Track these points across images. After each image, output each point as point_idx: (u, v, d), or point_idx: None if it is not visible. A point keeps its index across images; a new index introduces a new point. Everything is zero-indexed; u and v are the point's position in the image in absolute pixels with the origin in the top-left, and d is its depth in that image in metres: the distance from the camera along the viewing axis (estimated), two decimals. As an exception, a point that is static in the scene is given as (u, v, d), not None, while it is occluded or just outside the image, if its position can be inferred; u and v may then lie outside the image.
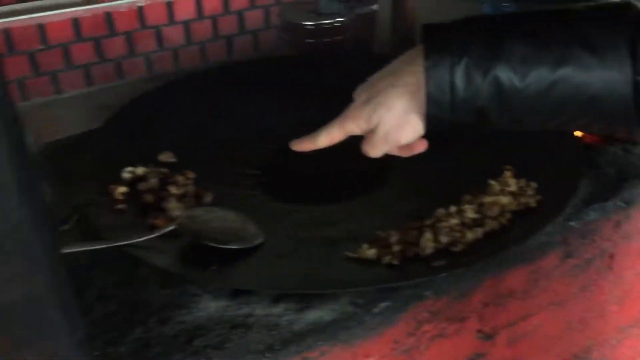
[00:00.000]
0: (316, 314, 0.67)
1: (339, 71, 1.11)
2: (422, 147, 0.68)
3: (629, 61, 0.55)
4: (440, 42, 0.59)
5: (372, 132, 0.65)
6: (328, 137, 0.69)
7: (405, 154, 0.69)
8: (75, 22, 3.13)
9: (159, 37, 3.45)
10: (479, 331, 0.78)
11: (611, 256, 0.87)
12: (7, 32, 2.91)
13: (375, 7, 2.86)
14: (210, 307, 0.68)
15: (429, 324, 0.72)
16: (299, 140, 0.72)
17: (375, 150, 0.66)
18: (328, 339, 0.65)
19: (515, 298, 0.79)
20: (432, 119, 0.61)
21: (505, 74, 0.57)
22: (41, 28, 3.01)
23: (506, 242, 0.73)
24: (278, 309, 0.67)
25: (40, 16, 2.95)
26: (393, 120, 0.63)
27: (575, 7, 0.60)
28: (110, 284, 0.71)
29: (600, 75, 0.56)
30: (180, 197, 0.83)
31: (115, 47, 3.29)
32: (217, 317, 0.67)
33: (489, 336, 0.79)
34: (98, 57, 3.24)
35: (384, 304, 0.68)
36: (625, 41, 0.55)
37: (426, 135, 0.79)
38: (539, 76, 0.56)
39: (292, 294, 0.68)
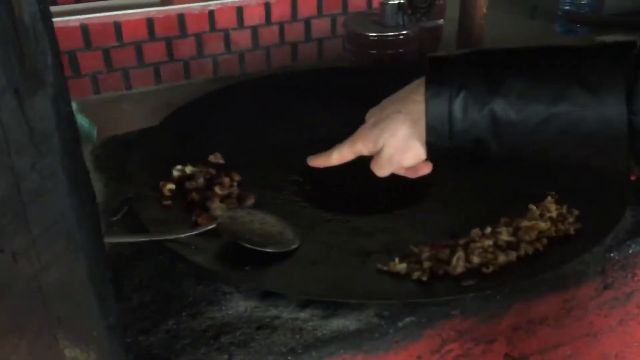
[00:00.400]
0: (341, 322, 0.68)
1: (397, 84, 1.13)
2: (426, 169, 0.72)
3: (624, 100, 0.55)
4: (442, 74, 0.62)
5: (378, 153, 0.70)
6: (339, 155, 0.74)
7: (411, 175, 0.73)
8: (149, 22, 3.25)
9: (227, 40, 3.55)
10: (507, 355, 0.78)
11: (653, 291, 0.84)
12: (85, 28, 3.05)
13: (440, 21, 2.86)
14: (240, 306, 0.70)
15: (454, 343, 0.72)
16: (314, 156, 0.77)
17: (381, 170, 0.71)
18: (350, 348, 0.66)
19: (547, 325, 0.78)
20: (432, 146, 0.64)
21: (501, 108, 0.59)
22: (117, 26, 3.15)
23: (539, 268, 0.72)
24: (304, 314, 0.69)
25: (117, 14, 3.09)
26: (397, 145, 0.67)
27: (579, 44, 0.61)
28: (149, 276, 0.75)
29: (596, 113, 0.56)
30: (224, 198, 0.86)
31: (185, 47, 3.41)
32: (245, 316, 0.69)
33: (517, 361, 0.79)
34: (168, 56, 3.36)
35: (409, 319, 0.69)
36: (622, 80, 0.55)
37: (472, 158, 0.80)
38: (535, 111, 0.58)
39: (319, 301, 0.70)
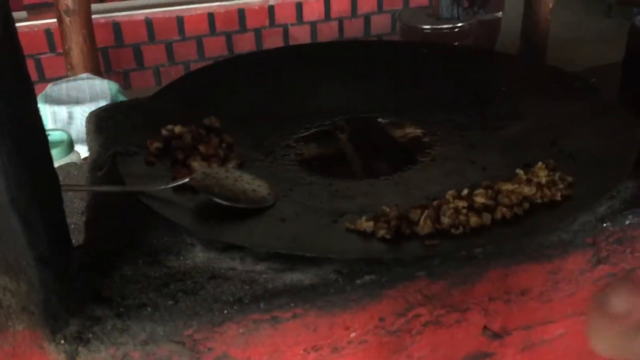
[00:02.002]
0: (296, 277, 0.66)
1: (409, 62, 1.10)
2: None
3: None
4: None
5: None
6: None
7: None
8: (210, 16, 3.34)
9: (286, 36, 3.59)
10: (486, 328, 0.73)
11: (661, 271, 0.77)
12: (150, 22, 3.16)
13: (499, 14, 2.77)
14: (198, 257, 0.69)
15: (422, 308, 0.68)
16: None
17: None
18: (302, 302, 0.64)
19: (531, 299, 0.72)
20: None
21: None
22: (179, 20, 3.25)
23: (512, 232, 0.67)
24: (260, 267, 0.67)
25: (180, 9, 3.18)
26: None
27: None
28: (118, 225, 0.75)
29: None
30: (208, 157, 0.86)
31: (244, 42, 3.47)
32: (201, 266, 0.68)
33: (497, 335, 0.73)
34: (228, 50, 3.43)
35: (368, 277, 0.65)
36: None
37: (478, 125, 0.73)
38: None
39: (278, 255, 0.68)
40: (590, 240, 0.72)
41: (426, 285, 0.67)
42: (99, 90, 1.88)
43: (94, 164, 0.89)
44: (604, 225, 0.72)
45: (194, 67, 3.34)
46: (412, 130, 0.95)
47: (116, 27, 3.14)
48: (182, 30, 3.24)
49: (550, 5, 2.80)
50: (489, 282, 0.69)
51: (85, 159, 1.43)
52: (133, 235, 0.73)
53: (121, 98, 1.86)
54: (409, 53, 1.15)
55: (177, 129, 0.90)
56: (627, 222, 0.72)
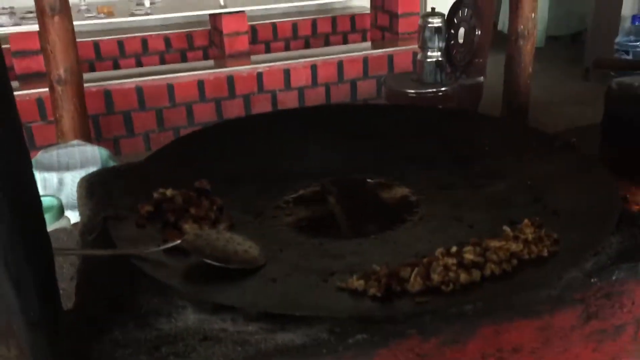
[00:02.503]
0: (288, 337, 0.65)
1: (393, 123, 1.13)
2: None
3: None
4: None
5: None
6: None
7: None
8: (200, 83, 3.40)
9: (274, 101, 3.65)
10: (479, 387, 0.72)
11: (649, 326, 0.77)
12: (140, 90, 3.21)
13: (481, 79, 2.84)
14: (189, 319, 0.69)
15: (415, 367, 0.68)
16: None
17: None
18: (294, 363, 0.63)
19: (523, 356, 0.72)
20: None
21: None
22: (170, 87, 3.30)
23: (503, 289, 0.68)
24: (252, 327, 0.67)
25: (170, 77, 3.24)
26: None
27: None
28: (108, 287, 0.75)
29: None
30: (198, 220, 0.86)
31: (234, 108, 3.52)
32: (192, 328, 0.68)
33: (491, 394, 0.73)
34: (217, 116, 3.48)
35: (360, 336, 0.65)
36: None
37: (462, 183, 0.74)
38: None
39: (269, 315, 0.68)
40: (579, 296, 0.72)
41: (418, 343, 0.67)
42: (90, 157, 1.89)
43: (85, 228, 0.90)
44: (592, 280, 0.73)
45: (183, 132, 3.38)
46: (399, 190, 0.97)
47: (107, 94, 3.19)
48: (172, 97, 3.30)
49: (530, 70, 2.90)
50: (481, 340, 0.69)
51: (75, 224, 1.42)
52: (123, 298, 0.73)
53: (112, 164, 1.87)
54: (394, 115, 1.18)
55: (169, 192, 0.91)
56: (614, 277, 0.73)
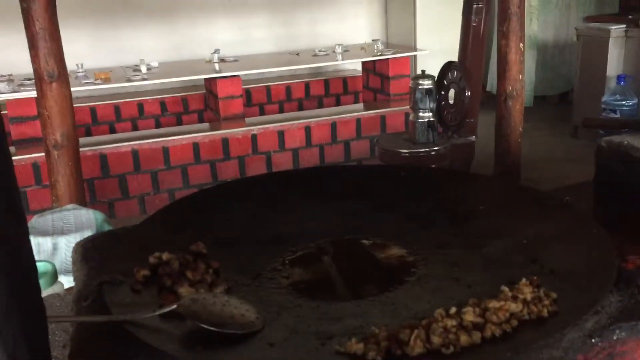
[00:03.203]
0: (286, 404, 0.64)
1: (387, 183, 1.14)
2: None
3: None
4: None
5: None
6: None
7: None
8: (195, 146, 3.44)
9: (269, 162, 3.68)
10: None
11: (652, 387, 0.76)
12: (136, 153, 3.24)
13: (472, 138, 2.89)
14: (186, 385, 0.68)
15: None
16: None
17: None
18: None
19: (527, 420, 0.71)
20: None
21: None
22: (165, 150, 3.33)
23: (504, 350, 0.67)
24: (250, 395, 0.66)
25: (166, 140, 3.27)
26: None
27: None
28: (102, 355, 0.74)
29: None
30: (196, 283, 0.86)
31: (229, 169, 3.55)
32: (189, 396, 0.66)
33: None
34: (212, 177, 3.50)
35: (360, 402, 0.64)
36: None
37: (459, 243, 0.75)
38: None
39: (268, 382, 0.66)
40: (582, 357, 0.71)
41: (420, 408, 0.66)
42: (85, 220, 1.89)
43: (80, 294, 0.89)
44: (593, 340, 0.72)
45: (178, 194, 3.39)
46: (396, 251, 0.97)
47: (103, 158, 3.21)
48: (168, 160, 3.32)
49: (520, 129, 2.95)
50: (483, 404, 0.68)
51: (68, 289, 1.41)
52: (118, 365, 0.72)
53: (107, 227, 1.87)
54: (388, 176, 1.19)
55: (165, 255, 0.91)
56: (615, 337, 0.73)
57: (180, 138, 3.33)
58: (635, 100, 3.57)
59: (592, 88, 3.81)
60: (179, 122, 4.07)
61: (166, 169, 3.33)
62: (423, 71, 2.64)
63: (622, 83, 3.60)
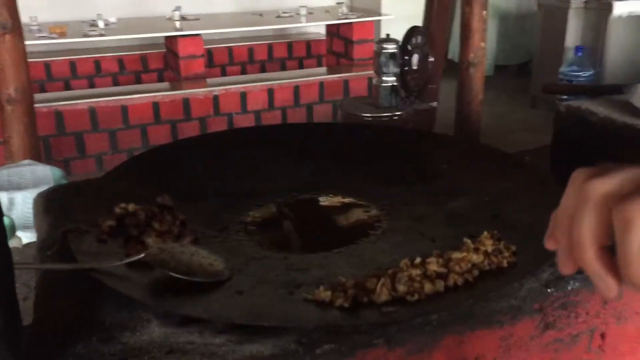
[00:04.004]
0: (255, 348, 0.65)
1: (354, 142, 1.15)
2: None
3: None
4: None
5: None
6: None
7: None
8: (155, 105, 3.38)
9: (231, 124, 3.65)
10: (443, 396, 0.73)
11: (602, 336, 0.80)
12: (93, 111, 3.17)
13: (434, 104, 2.92)
14: (155, 331, 0.68)
15: (381, 377, 0.69)
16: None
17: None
18: (262, 374, 0.63)
19: (485, 365, 0.74)
20: None
21: None
22: (124, 109, 3.27)
23: (466, 298, 0.70)
24: (219, 340, 0.67)
25: (125, 98, 3.21)
26: None
27: None
28: (69, 303, 0.73)
29: None
30: (162, 234, 0.86)
31: (190, 130, 3.51)
32: (158, 341, 0.67)
33: (454, 404, 0.74)
34: (173, 138, 3.45)
35: (328, 346, 0.66)
36: None
37: (423, 200, 0.77)
38: None
39: (237, 327, 0.67)
40: (537, 306, 0.75)
41: (385, 353, 0.68)
42: (42, 176, 1.85)
43: (43, 243, 0.88)
44: (549, 290, 0.75)
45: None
46: (360, 208, 0.98)
47: (58, 115, 3.13)
48: (126, 119, 3.26)
49: (481, 97, 3.00)
50: (445, 349, 0.71)
51: (27, 244, 1.39)
52: (85, 312, 0.72)
53: (64, 183, 1.84)
54: (352, 135, 1.20)
55: (131, 206, 0.90)
56: (570, 287, 0.76)
57: (139, 97, 3.27)
58: (592, 72, 3.66)
59: (551, 59, 3.89)
60: (138, 81, 3.99)
61: (125, 128, 3.28)
62: (388, 35, 2.64)
63: (579, 54, 3.68)
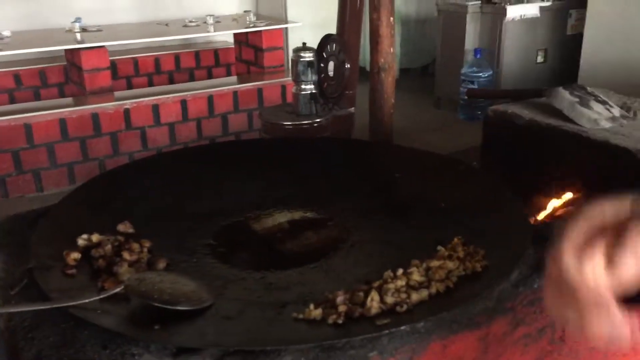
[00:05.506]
0: (257, 373, 0.66)
1: (297, 155, 1.16)
2: None
3: None
4: None
5: None
6: None
7: None
8: (62, 122, 3.22)
9: (144, 138, 3.54)
10: (429, 400, 0.76)
11: (563, 328, 0.87)
12: (-5, 131, 2.94)
13: (352, 109, 2.98)
14: (150, 365, 0.67)
15: (376, 388, 0.71)
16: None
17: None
18: (268, 398, 0.64)
19: (466, 365, 0.78)
20: None
21: None
22: (27, 127, 3.09)
23: (450, 303, 0.73)
24: (219, 368, 0.66)
25: (27, 116, 3.04)
26: None
27: None
28: (50, 344, 0.70)
29: None
30: (133, 264, 0.84)
31: (101, 146, 3.37)
32: (155, 375, 0.65)
33: (440, 405, 0.77)
34: (83, 155, 3.30)
35: (327, 364, 0.67)
36: None
37: (383, 210, 0.80)
38: None
39: (235, 353, 0.67)
40: (509, 305, 0.80)
41: (378, 364, 0.70)
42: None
43: (2, 282, 0.83)
44: (519, 290, 0.80)
45: (45, 174, 3.18)
46: (323, 221, 1.00)
47: (-47, 137, 2.92)
48: (31, 138, 3.09)
49: (392, 100, 3.10)
50: (431, 354, 0.74)
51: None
52: (70, 353, 0.69)
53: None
54: (304, 147, 1.22)
55: (95, 237, 0.88)
56: (536, 285, 0.82)
57: (44, 114, 3.11)
58: (491, 72, 3.87)
59: (452, 60, 4.07)
60: (37, 97, 3.78)
61: (29, 147, 3.10)
62: (304, 44, 2.67)
63: (478, 56, 3.88)
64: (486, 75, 3.86)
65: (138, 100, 3.30)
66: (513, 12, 3.87)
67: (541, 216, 1.07)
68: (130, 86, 4.00)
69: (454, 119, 4.14)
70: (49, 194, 3.28)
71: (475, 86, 3.85)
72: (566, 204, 1.16)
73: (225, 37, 4.20)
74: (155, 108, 3.34)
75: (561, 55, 4.08)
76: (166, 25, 3.88)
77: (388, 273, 0.77)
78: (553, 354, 0.88)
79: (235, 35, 3.99)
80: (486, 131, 1.40)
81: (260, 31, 3.73)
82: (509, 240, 0.86)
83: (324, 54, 2.77)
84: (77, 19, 3.63)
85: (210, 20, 3.77)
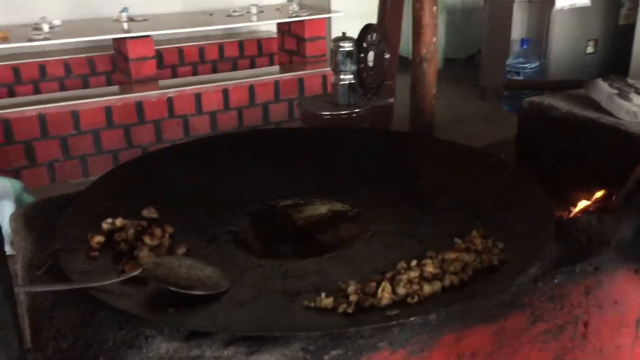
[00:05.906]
0: (265, 358, 0.66)
1: (331, 145, 1.16)
2: None
3: None
4: None
5: None
6: None
7: None
8: (108, 109, 3.30)
9: (186, 126, 3.59)
10: (442, 393, 0.76)
11: (585, 325, 0.85)
12: (43, 117, 3.07)
13: (391, 100, 2.95)
14: (162, 348, 0.68)
15: (385, 378, 0.71)
16: None
17: None
18: (274, 384, 0.64)
19: (480, 359, 0.77)
20: None
21: None
22: (75, 114, 3.18)
23: (463, 296, 0.72)
24: (228, 352, 0.67)
25: (75, 103, 3.12)
26: None
27: None
28: (69, 324, 0.73)
29: None
30: (154, 248, 0.85)
31: (144, 134, 3.43)
32: (166, 357, 0.67)
33: (453, 399, 0.77)
34: (127, 143, 3.38)
35: (335, 352, 0.67)
36: None
37: (407, 201, 0.79)
38: None
39: (244, 338, 0.68)
40: (527, 300, 0.78)
41: (388, 355, 0.70)
42: (0, 190, 1.79)
43: (30, 263, 0.86)
44: (537, 285, 0.79)
45: (91, 160, 3.27)
46: (347, 210, 1.00)
47: (6, 124, 3.02)
48: (78, 125, 3.18)
49: (434, 91, 3.06)
50: (444, 347, 0.73)
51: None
52: (87, 333, 0.71)
53: (27, 196, 1.79)
54: (332, 138, 1.22)
55: (118, 221, 0.90)
56: (556, 281, 0.80)
57: (91, 101, 3.19)
58: (537, 63, 3.77)
59: (498, 51, 3.99)
60: (86, 85, 3.88)
61: (77, 134, 3.19)
62: (344, 33, 2.66)
63: (525, 46, 3.79)
64: (533, 66, 3.77)
65: (181, 89, 3.35)
66: (562, 1, 3.76)
67: (574, 211, 1.04)
68: (175, 75, 4.06)
69: (498, 110, 4.06)
70: (95, 179, 3.37)
71: (521, 77, 3.76)
72: (600, 199, 1.13)
73: (268, 26, 4.22)
74: (198, 97, 3.39)
75: (612, 46, 3.95)
76: (210, 15, 3.92)
77: (402, 264, 0.77)
78: (575, 350, 0.86)
79: (278, 24, 4.00)
80: (521, 123, 1.37)
81: (303, 21, 3.73)
82: (530, 234, 0.84)
83: (364, 44, 2.76)
84: (124, 9, 3.71)
85: (254, 10, 3.79)
